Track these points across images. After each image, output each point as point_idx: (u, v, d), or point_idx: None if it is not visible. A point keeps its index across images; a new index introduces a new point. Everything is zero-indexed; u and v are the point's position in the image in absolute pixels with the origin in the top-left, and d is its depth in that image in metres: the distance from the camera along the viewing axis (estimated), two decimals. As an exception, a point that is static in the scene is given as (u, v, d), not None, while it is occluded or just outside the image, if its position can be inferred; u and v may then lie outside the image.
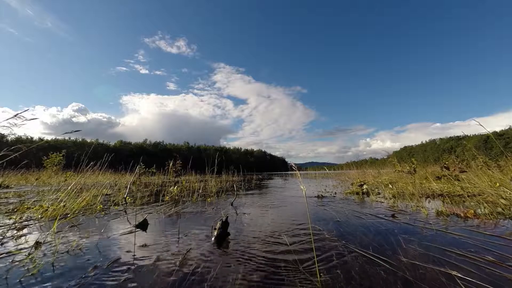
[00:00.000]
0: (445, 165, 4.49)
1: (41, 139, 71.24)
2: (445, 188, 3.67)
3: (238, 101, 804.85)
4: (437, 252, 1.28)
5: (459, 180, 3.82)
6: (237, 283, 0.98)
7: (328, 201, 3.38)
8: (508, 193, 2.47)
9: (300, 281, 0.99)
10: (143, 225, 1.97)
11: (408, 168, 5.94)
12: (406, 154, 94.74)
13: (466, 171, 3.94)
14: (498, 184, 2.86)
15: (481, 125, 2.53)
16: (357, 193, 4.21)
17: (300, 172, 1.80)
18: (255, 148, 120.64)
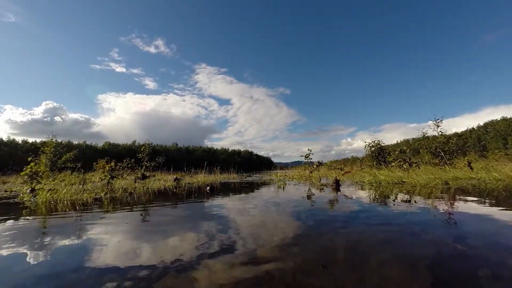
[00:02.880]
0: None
1: (25, 141, 71.04)
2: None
3: (222, 101, 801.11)
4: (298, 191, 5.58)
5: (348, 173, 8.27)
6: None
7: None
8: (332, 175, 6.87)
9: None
10: (212, 189, 6.10)
11: (339, 166, 10.50)
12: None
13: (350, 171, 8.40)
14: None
15: (418, 130, 6.94)
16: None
17: (281, 170, 6.05)
18: (241, 148, 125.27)
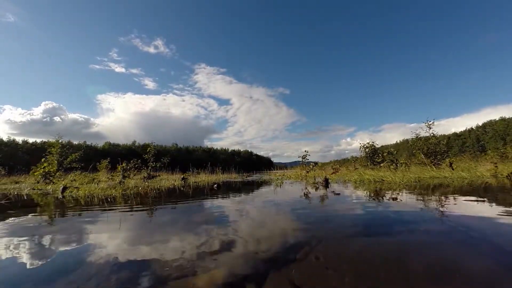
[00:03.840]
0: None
1: (26, 142, 71.53)
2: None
3: (222, 101, 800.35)
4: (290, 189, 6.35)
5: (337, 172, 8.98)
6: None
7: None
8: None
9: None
10: (218, 186, 6.84)
11: (334, 166, 11.24)
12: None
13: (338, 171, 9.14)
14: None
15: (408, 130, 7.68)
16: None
17: (280, 170, 6.88)
18: (240, 148, 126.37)
